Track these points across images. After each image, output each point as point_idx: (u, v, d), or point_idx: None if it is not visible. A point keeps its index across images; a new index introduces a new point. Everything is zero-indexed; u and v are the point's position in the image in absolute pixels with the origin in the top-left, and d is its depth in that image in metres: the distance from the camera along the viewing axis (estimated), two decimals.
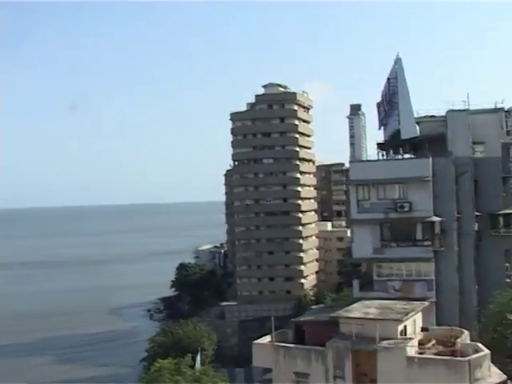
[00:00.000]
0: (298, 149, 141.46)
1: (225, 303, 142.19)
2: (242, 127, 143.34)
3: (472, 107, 71.79)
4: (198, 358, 72.87)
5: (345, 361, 45.87)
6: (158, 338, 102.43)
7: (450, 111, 71.50)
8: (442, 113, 72.39)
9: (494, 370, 44.64)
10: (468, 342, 48.37)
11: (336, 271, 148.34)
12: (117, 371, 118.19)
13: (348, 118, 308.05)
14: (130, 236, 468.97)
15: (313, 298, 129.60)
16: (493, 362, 44.80)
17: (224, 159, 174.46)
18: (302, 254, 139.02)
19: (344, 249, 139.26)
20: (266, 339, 51.36)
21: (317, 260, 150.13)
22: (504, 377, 44.87)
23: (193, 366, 68.08)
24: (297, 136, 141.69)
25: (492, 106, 73.81)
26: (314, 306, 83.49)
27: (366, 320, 47.48)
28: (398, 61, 72.42)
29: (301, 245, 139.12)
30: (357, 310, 50.81)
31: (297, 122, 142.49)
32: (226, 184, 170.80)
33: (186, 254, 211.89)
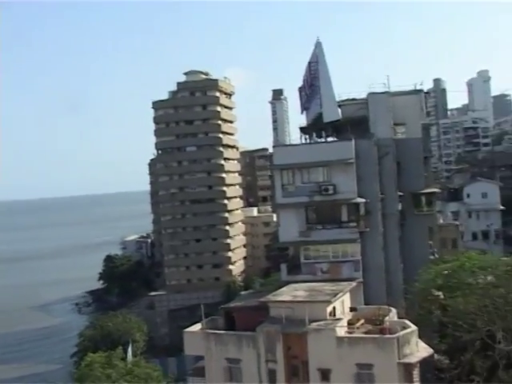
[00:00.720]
0: (221, 135, 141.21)
1: (154, 293, 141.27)
2: (164, 115, 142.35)
3: (392, 89, 72.81)
4: (130, 349, 72.45)
5: (276, 344, 46.22)
6: (87, 331, 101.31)
7: (371, 94, 72.34)
8: (364, 95, 73.13)
9: (422, 344, 45.67)
10: (396, 319, 49.34)
11: (264, 256, 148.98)
12: (47, 368, 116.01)
13: (270, 103, 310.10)
14: (55, 230, 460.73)
15: (241, 284, 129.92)
16: (420, 337, 45.82)
17: (149, 148, 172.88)
18: (229, 241, 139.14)
19: (271, 233, 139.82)
20: (197, 327, 51.41)
21: (244, 246, 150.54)
22: (431, 351, 45.96)
23: (124, 359, 67.65)
24: (219, 123, 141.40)
25: (412, 88, 74.95)
26: (243, 292, 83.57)
27: (295, 303, 47.93)
28: (318, 45, 72.74)
29: (227, 231, 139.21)
30: (286, 294, 51.24)
31: (219, 109, 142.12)
32: (150, 173, 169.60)
33: (113, 246, 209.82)
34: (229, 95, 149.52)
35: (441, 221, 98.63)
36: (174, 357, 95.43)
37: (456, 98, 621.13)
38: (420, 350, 45.02)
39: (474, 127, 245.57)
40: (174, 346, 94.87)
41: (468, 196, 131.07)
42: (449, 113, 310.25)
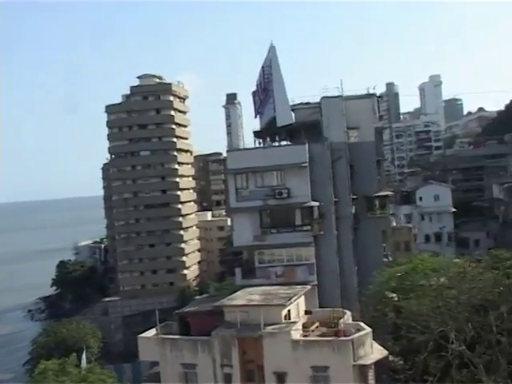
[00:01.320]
0: (175, 140, 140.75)
1: (108, 299, 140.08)
2: (117, 120, 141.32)
3: (346, 93, 73.32)
4: (84, 356, 71.68)
5: (231, 349, 46.14)
6: (40, 338, 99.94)
7: (324, 98, 72.80)
8: (317, 99, 73.56)
9: (376, 346, 46.01)
10: (350, 321, 49.60)
11: (218, 260, 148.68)
12: None
13: (224, 107, 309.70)
14: (7, 236, 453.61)
15: (196, 289, 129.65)
16: (374, 339, 46.15)
17: (102, 153, 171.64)
18: (183, 245, 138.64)
19: (225, 238, 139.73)
20: (151, 333, 51.07)
21: (198, 250, 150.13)
22: (385, 352, 46.33)
23: (79, 366, 66.90)
24: (173, 127, 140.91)
25: (365, 92, 75.56)
26: (197, 297, 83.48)
27: (250, 307, 47.90)
28: (272, 49, 72.94)
29: (181, 236, 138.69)
30: (240, 298, 51.19)
31: (173, 113, 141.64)
32: (103, 178, 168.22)
33: (66, 252, 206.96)
34: (182, 99, 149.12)
35: (394, 224, 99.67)
36: (129, 363, 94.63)
37: (408, 102, 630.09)
38: (375, 352, 45.34)
39: (425, 131, 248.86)
40: (128, 352, 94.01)
41: (420, 199, 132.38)
42: (401, 117, 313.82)
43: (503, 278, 48.53)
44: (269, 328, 45.63)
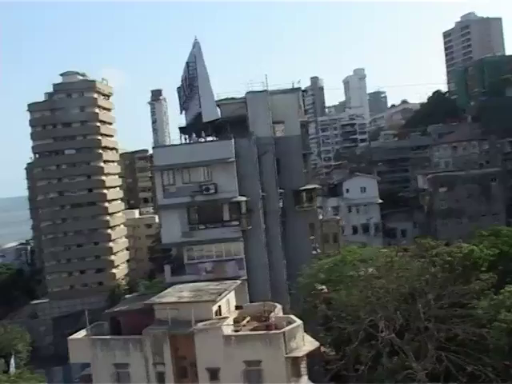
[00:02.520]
0: (100, 137, 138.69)
1: (36, 301, 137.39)
2: (40, 118, 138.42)
3: (270, 88, 73.44)
4: (12, 361, 70.38)
5: (163, 346, 45.92)
6: None
7: (250, 93, 72.85)
8: (243, 94, 73.52)
9: (308, 338, 46.37)
10: (281, 315, 49.89)
11: (147, 258, 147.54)
12: None
13: (149, 103, 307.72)
14: None
15: (126, 288, 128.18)
16: (306, 331, 46.50)
17: (26, 152, 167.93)
18: (111, 244, 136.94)
19: (153, 235, 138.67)
20: (82, 334, 50.42)
21: (127, 249, 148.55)
22: (317, 344, 46.75)
23: (7, 371, 65.63)
24: (98, 124, 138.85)
25: (290, 87, 75.86)
26: (127, 296, 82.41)
27: (181, 304, 47.77)
28: (196, 44, 72.69)
29: (109, 235, 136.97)
30: (171, 295, 50.98)
31: (97, 111, 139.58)
32: (28, 178, 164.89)
33: None
34: (107, 96, 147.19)
35: (321, 216, 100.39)
36: (60, 366, 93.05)
37: (333, 96, 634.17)
38: (306, 344, 45.68)
39: (351, 124, 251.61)
40: (59, 355, 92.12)
41: (347, 191, 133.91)
42: (326, 110, 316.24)
43: (429, 266, 49.54)
44: (200, 324, 45.54)
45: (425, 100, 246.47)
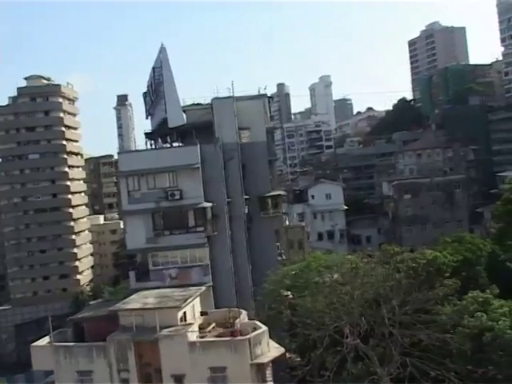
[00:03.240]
0: (64, 142, 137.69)
1: None
2: (4, 122, 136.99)
3: (237, 94, 73.47)
4: None
5: (128, 353, 45.61)
6: None
7: (216, 98, 72.83)
8: (209, 100, 73.49)
9: (273, 344, 46.36)
10: (246, 321, 49.83)
11: (112, 264, 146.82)
12: None
13: (115, 108, 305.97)
14: None
15: (90, 294, 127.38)
16: (271, 337, 46.50)
17: None
18: (75, 250, 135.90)
19: (118, 241, 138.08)
20: (45, 341, 49.85)
21: (91, 254, 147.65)
22: (282, 350, 46.76)
23: None
24: (63, 129, 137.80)
25: (256, 93, 75.96)
26: (92, 302, 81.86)
27: (145, 310, 47.51)
28: (162, 50, 72.60)
29: (73, 240, 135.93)
30: (135, 302, 50.69)
31: (62, 115, 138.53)
32: None
33: None
34: (72, 101, 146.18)
35: (287, 222, 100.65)
36: (23, 373, 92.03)
37: (299, 103, 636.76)
38: (272, 350, 45.67)
39: (317, 130, 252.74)
40: (22, 362, 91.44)
41: (313, 197, 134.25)
42: (292, 117, 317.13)
43: (394, 272, 49.74)
44: (165, 331, 45.32)
45: (390, 107, 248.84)
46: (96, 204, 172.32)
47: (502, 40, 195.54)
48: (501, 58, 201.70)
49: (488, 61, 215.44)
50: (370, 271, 51.20)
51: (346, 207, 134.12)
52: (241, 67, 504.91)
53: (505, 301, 48.30)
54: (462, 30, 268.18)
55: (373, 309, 47.61)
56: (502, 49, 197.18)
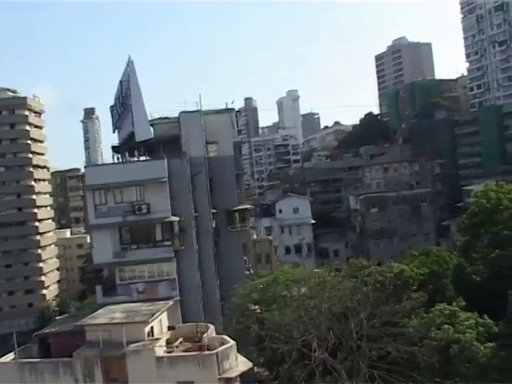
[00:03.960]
0: (30, 156, 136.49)
1: None
2: None
3: (204, 108, 73.29)
4: None
5: (94, 369, 45.05)
6: None
7: (183, 112, 72.61)
8: (176, 114, 73.25)
9: (241, 359, 46.10)
10: (214, 335, 49.49)
11: (78, 279, 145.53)
12: None
13: (82, 122, 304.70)
14: None
15: (56, 309, 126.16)
16: (239, 351, 46.26)
17: None
18: (41, 265, 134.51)
19: (85, 255, 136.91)
20: (9, 357, 49.05)
21: (58, 269, 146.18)
22: (250, 364, 46.52)
23: None
24: (29, 142, 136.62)
25: (223, 107, 75.93)
26: (58, 317, 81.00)
27: (112, 325, 47.00)
28: (130, 63, 72.38)
29: (39, 255, 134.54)
30: (102, 317, 50.14)
31: (28, 128, 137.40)
32: None
33: None
34: (38, 114, 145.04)
35: (255, 236, 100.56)
36: None
37: (267, 117, 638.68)
38: (240, 364, 45.42)
39: (284, 144, 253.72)
40: None
41: (280, 211, 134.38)
42: (260, 131, 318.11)
43: (361, 285, 50.00)
44: (132, 346, 44.88)
45: (357, 122, 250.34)
46: (62, 218, 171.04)
47: (467, 56, 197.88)
48: (466, 73, 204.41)
49: (453, 76, 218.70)
50: (338, 285, 51.39)
51: (313, 221, 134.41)
52: (208, 81, 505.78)
53: (471, 313, 48.75)
54: (428, 45, 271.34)
55: (340, 322, 47.72)
56: (467, 64, 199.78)
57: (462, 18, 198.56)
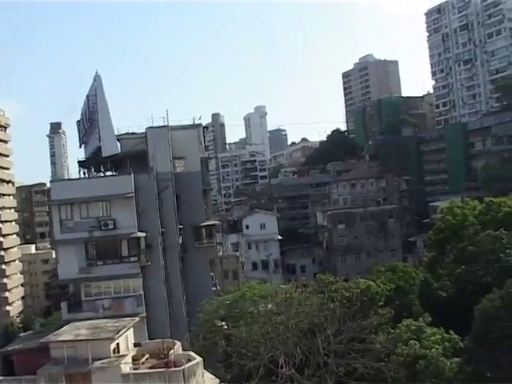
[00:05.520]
0: None
1: None
2: None
3: (171, 123, 73.17)
4: None
5: None
6: None
7: (150, 128, 72.44)
8: (143, 129, 73.04)
9: (208, 375, 45.86)
10: (180, 352, 49.18)
11: (43, 295, 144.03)
12: None
13: (48, 136, 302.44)
14: None
15: (21, 326, 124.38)
16: (206, 367, 45.99)
17: None
18: (5, 280, 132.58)
19: (50, 271, 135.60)
20: None
21: (22, 285, 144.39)
22: (217, 381, 46.26)
23: None
24: None
25: (191, 123, 75.86)
26: (22, 334, 79.99)
27: (78, 342, 46.49)
28: (97, 78, 72.19)
29: (4, 270, 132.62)
30: (67, 333, 49.58)
31: None
32: None
33: None
34: (3, 128, 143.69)
35: (221, 252, 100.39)
36: None
37: (234, 133, 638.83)
38: (207, 381, 45.16)
39: (251, 161, 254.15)
40: None
41: (247, 227, 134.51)
42: (227, 147, 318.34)
43: (328, 301, 50.00)
44: (98, 363, 44.40)
45: (324, 138, 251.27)
46: (28, 233, 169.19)
47: (433, 74, 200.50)
48: (432, 91, 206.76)
49: (420, 93, 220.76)
50: (305, 301, 51.35)
51: (280, 237, 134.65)
52: (176, 97, 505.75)
53: (437, 328, 49.00)
54: (395, 63, 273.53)
55: (308, 338, 47.65)
56: (433, 82, 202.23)
57: (428, 36, 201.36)
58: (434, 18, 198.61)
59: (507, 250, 61.53)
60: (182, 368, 43.76)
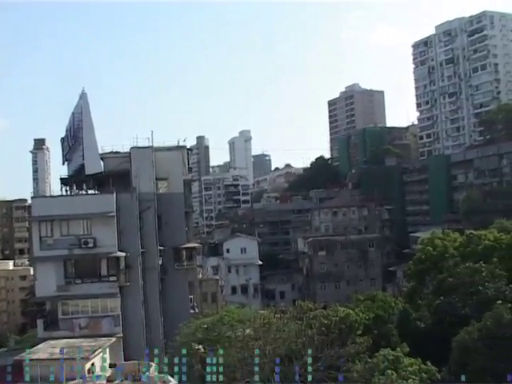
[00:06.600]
0: None
1: None
2: None
3: (156, 144, 73.21)
4: None
5: None
6: None
7: (134, 148, 72.38)
8: (127, 149, 72.96)
9: None
10: (156, 374, 48.80)
11: (20, 311, 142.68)
12: None
13: (31, 152, 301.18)
14: None
15: None
16: None
17: None
18: None
19: (28, 288, 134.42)
20: None
21: None
22: None
23: None
24: None
25: (175, 144, 75.93)
26: None
27: (52, 361, 46.03)
28: (83, 95, 72.16)
29: None
30: (42, 351, 49.15)
31: None
32: None
33: None
34: None
35: (201, 275, 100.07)
36: None
37: (218, 156, 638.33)
38: None
39: (234, 184, 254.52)
40: None
41: (228, 251, 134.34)
42: (211, 170, 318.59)
43: (307, 328, 49.79)
44: (72, 382, 43.96)
45: (308, 165, 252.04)
46: (6, 249, 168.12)
47: (418, 105, 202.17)
48: (416, 122, 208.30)
49: (404, 124, 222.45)
50: (283, 327, 51.11)
51: (260, 262, 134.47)
52: (161, 118, 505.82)
53: (414, 359, 48.84)
54: (381, 93, 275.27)
55: (285, 365, 47.35)
56: (418, 113, 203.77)
57: (415, 68, 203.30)
58: (421, 50, 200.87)
59: (486, 283, 61.76)
60: None
